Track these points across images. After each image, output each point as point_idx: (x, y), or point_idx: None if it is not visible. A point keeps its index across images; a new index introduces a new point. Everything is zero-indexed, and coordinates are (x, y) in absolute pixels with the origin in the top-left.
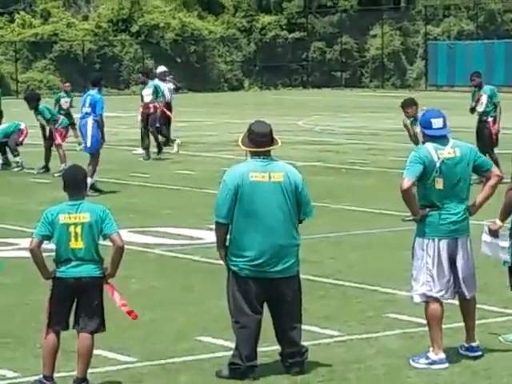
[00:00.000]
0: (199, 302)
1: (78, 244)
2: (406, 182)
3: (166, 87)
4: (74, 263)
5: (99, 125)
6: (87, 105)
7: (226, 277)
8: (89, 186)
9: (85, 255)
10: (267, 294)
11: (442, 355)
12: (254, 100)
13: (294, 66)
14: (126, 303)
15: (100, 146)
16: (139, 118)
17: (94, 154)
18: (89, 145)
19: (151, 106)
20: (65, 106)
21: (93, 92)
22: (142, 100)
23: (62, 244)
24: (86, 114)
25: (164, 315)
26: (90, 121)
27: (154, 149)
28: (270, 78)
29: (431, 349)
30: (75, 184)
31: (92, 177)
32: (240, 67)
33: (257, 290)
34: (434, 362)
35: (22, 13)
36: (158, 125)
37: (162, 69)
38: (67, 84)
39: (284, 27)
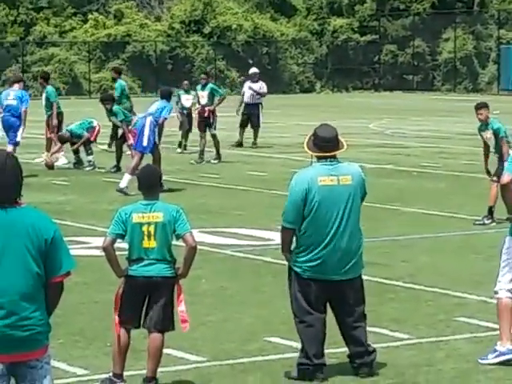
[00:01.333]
0: (268, 302)
1: (150, 243)
2: (506, 177)
3: (251, 88)
4: (146, 262)
5: (158, 127)
6: (154, 109)
7: (288, 278)
8: (126, 184)
9: (157, 255)
10: (329, 295)
11: (510, 346)
12: (325, 102)
13: (366, 69)
14: (185, 311)
15: (154, 147)
16: (196, 117)
17: (146, 153)
18: (145, 144)
19: (206, 108)
20: (187, 104)
21: (162, 103)
22: (199, 102)
23: (134, 243)
24: (149, 114)
25: (233, 315)
26: (148, 120)
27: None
28: (341, 81)
29: (499, 342)
30: (149, 184)
31: (132, 175)
32: (312, 69)
33: (319, 291)
34: (501, 354)
35: (95, 13)
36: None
37: (252, 70)
38: (186, 82)
39: (356, 30)
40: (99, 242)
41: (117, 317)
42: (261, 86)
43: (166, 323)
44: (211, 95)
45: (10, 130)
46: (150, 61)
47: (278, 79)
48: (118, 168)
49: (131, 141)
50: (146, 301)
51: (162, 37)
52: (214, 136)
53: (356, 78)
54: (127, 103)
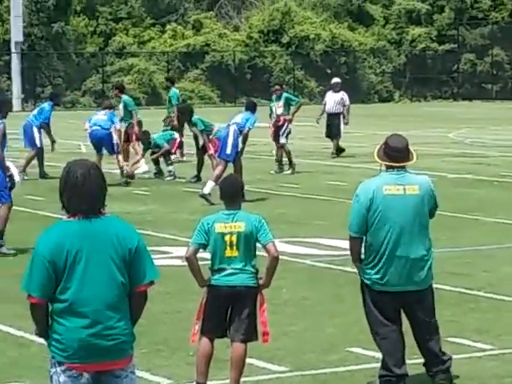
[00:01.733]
0: (350, 312)
1: (233, 253)
2: None
3: (333, 98)
4: (228, 272)
5: (242, 137)
6: (238, 119)
7: (361, 288)
8: (209, 190)
9: (240, 264)
10: (401, 306)
11: None
12: (404, 112)
13: (444, 78)
14: (266, 322)
15: (237, 156)
16: (271, 129)
17: (230, 162)
18: (229, 152)
19: (281, 118)
20: (278, 111)
21: (247, 114)
22: (275, 113)
23: (217, 252)
24: (233, 123)
25: (315, 325)
26: (232, 129)
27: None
28: (419, 90)
29: None
30: (232, 193)
31: (215, 182)
32: (390, 79)
33: (390, 302)
34: None
35: (173, 24)
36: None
37: (334, 80)
38: (277, 86)
39: (434, 39)
40: (181, 251)
41: (196, 326)
42: (342, 97)
43: (249, 333)
44: (287, 104)
45: (102, 143)
46: (228, 70)
47: (356, 89)
48: (198, 178)
49: (211, 151)
50: (229, 310)
51: (240, 46)
52: (282, 146)
53: (434, 87)
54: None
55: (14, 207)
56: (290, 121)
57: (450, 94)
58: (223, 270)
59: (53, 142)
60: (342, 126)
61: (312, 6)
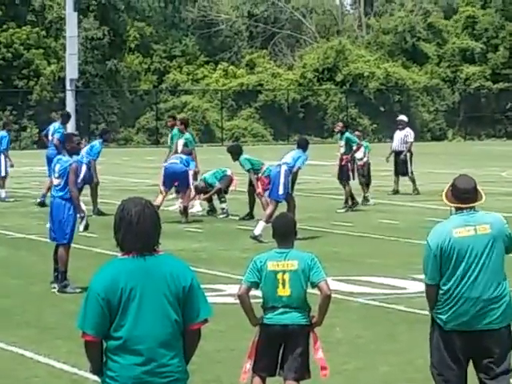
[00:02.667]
0: (403, 351)
1: (285, 291)
2: None
3: (398, 136)
4: (281, 310)
5: (291, 176)
6: (289, 158)
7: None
8: (260, 231)
9: (292, 302)
10: (473, 348)
11: None
12: (458, 150)
13: (498, 117)
14: (323, 358)
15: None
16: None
17: (280, 202)
18: (281, 192)
19: (344, 157)
20: (341, 150)
21: (298, 152)
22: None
23: (269, 291)
24: (284, 163)
25: (368, 364)
26: (283, 169)
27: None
28: (473, 129)
29: None
30: (284, 232)
31: (267, 223)
32: (443, 117)
33: (462, 344)
34: None
35: (224, 63)
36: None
37: (399, 118)
38: (339, 123)
39: (488, 77)
40: (233, 289)
41: (247, 365)
42: (406, 134)
43: (302, 372)
44: (348, 144)
45: (177, 177)
46: (281, 109)
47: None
48: (251, 216)
49: (259, 189)
50: (282, 349)
51: (293, 85)
52: (343, 185)
53: (488, 125)
54: None
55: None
56: (349, 160)
57: (503, 132)
58: (275, 308)
59: (96, 182)
60: (409, 164)
61: (366, 44)
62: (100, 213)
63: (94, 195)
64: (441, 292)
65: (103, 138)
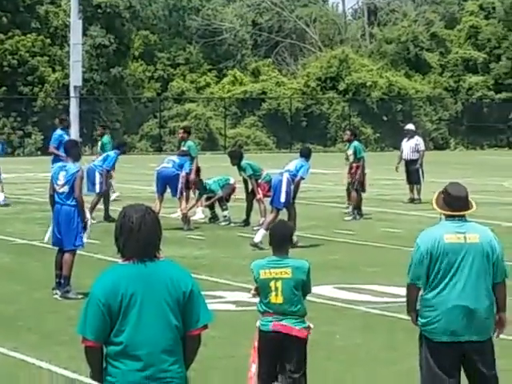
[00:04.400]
0: (404, 360)
1: (277, 299)
2: None
3: (408, 145)
4: (274, 316)
5: (294, 185)
6: (292, 166)
7: (419, 340)
8: (260, 239)
9: (285, 309)
10: (460, 358)
11: None
12: (460, 159)
13: (501, 127)
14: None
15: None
16: (344, 177)
17: (281, 210)
18: (283, 200)
19: (354, 165)
20: (350, 159)
21: (300, 161)
22: (348, 159)
23: (263, 297)
24: (286, 170)
25: (368, 373)
26: (285, 177)
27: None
28: (476, 138)
29: None
30: (281, 240)
31: (266, 230)
32: (446, 126)
33: (450, 354)
34: None
35: (231, 71)
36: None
37: (406, 127)
38: (347, 132)
39: (491, 87)
40: (234, 296)
41: (252, 369)
42: (416, 142)
43: (299, 378)
44: (355, 153)
45: (168, 182)
46: (284, 118)
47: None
48: (247, 222)
49: (260, 195)
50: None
51: (297, 94)
52: (351, 192)
53: (491, 135)
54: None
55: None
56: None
57: (506, 142)
58: (269, 314)
59: (107, 191)
60: (421, 172)
61: (369, 53)
62: (110, 218)
63: (106, 203)
64: (428, 298)
65: (120, 149)
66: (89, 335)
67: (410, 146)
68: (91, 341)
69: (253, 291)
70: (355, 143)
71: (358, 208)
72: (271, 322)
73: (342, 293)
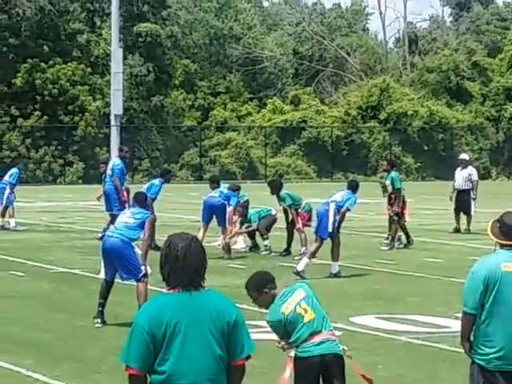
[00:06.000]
0: None
1: (310, 315)
2: None
3: (461, 175)
4: (315, 340)
5: (339, 215)
6: (338, 197)
7: (469, 369)
8: (303, 267)
9: (318, 325)
10: None
11: None
12: (502, 189)
13: None
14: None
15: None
16: (386, 208)
17: (325, 239)
18: (330, 230)
19: (392, 196)
20: (389, 189)
21: (347, 193)
22: (385, 190)
23: (296, 325)
24: (332, 201)
25: None
26: (332, 207)
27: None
28: None
29: None
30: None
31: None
32: (487, 156)
33: (506, 382)
34: None
35: (271, 99)
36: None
37: (461, 156)
38: (383, 162)
39: None
40: None
41: (286, 374)
42: (470, 172)
43: None
44: (392, 184)
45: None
46: (325, 146)
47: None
48: (288, 252)
49: (299, 225)
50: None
51: (337, 123)
52: (394, 221)
53: None
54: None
55: (115, 279)
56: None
57: None
58: (309, 338)
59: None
60: (472, 202)
61: (410, 82)
62: (157, 248)
63: (153, 231)
64: (484, 326)
65: (164, 178)
66: (132, 363)
67: (463, 176)
68: (135, 368)
69: (284, 345)
70: (392, 174)
71: (394, 238)
72: (314, 346)
73: (384, 323)
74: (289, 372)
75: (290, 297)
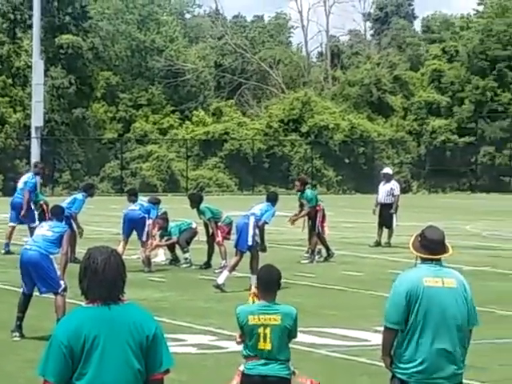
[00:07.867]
0: None
1: (266, 345)
2: None
3: (384, 189)
4: (262, 361)
5: (258, 229)
6: (257, 210)
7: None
8: (223, 281)
9: (274, 355)
10: None
11: None
12: (422, 203)
13: (463, 170)
14: None
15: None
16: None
17: (245, 252)
18: (250, 243)
19: (318, 208)
20: (306, 208)
21: (266, 206)
22: (301, 206)
23: (249, 343)
24: (252, 214)
25: None
26: (251, 220)
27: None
28: (438, 182)
29: None
30: (268, 284)
31: (230, 272)
32: (408, 169)
33: None
34: None
35: (198, 110)
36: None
37: (383, 171)
38: (296, 183)
39: (454, 131)
40: (195, 339)
41: None
42: (392, 187)
43: None
44: (309, 202)
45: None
46: (246, 159)
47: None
48: (208, 265)
49: (219, 238)
50: None
51: (259, 135)
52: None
53: (453, 178)
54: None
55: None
56: (293, 221)
57: (468, 186)
58: (256, 358)
59: (80, 231)
60: (394, 216)
61: (332, 96)
62: (76, 260)
63: (73, 244)
64: (405, 341)
65: (87, 192)
66: (50, 377)
67: (385, 190)
68: (52, 382)
69: (238, 339)
70: (307, 192)
71: (314, 251)
72: (259, 365)
73: (304, 336)
74: None
75: (266, 314)
